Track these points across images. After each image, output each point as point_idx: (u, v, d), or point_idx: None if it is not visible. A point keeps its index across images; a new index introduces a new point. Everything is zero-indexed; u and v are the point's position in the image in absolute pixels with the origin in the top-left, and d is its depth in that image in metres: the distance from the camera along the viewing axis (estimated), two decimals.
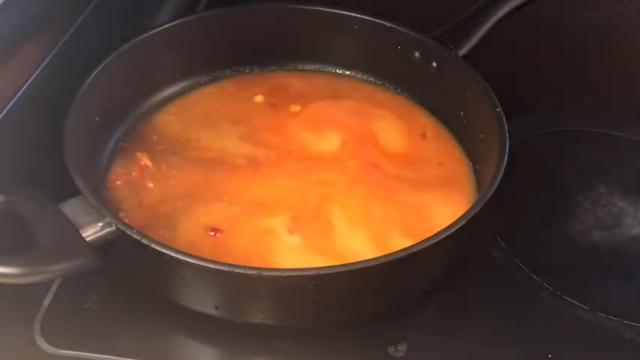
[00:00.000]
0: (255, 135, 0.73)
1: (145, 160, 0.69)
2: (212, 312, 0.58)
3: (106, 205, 0.60)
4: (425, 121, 0.76)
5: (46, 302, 0.62)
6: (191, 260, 0.53)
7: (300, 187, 0.67)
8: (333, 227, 0.64)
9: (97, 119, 0.68)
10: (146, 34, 0.74)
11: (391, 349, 0.60)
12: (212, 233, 0.63)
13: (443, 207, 0.66)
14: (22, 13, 0.65)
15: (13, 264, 0.51)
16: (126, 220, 0.60)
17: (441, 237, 0.56)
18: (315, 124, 0.74)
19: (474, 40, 0.74)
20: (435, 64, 0.75)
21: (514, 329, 0.62)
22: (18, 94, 0.65)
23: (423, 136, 0.73)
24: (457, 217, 0.58)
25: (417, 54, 0.76)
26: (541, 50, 0.91)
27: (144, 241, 0.54)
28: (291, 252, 0.62)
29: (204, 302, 0.58)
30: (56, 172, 0.59)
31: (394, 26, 0.76)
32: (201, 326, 0.60)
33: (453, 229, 0.56)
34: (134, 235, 0.54)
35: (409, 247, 0.55)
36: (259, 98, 0.77)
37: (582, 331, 0.63)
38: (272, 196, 0.67)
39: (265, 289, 0.56)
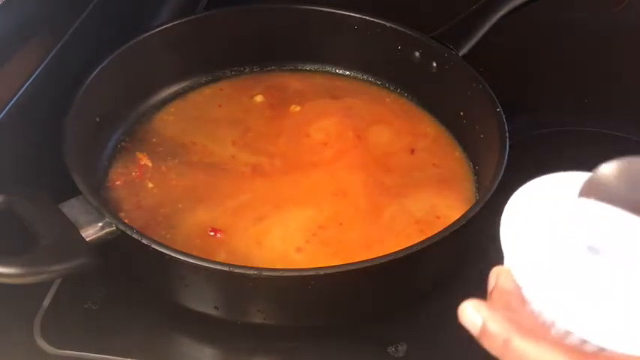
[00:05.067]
0: (255, 137, 0.73)
1: (145, 160, 0.69)
2: (212, 312, 0.58)
3: (106, 205, 0.60)
4: (424, 122, 0.76)
5: (46, 302, 0.62)
6: (191, 260, 0.53)
7: (298, 190, 0.67)
8: (332, 232, 0.64)
9: (97, 119, 0.68)
10: (146, 34, 0.74)
11: (391, 349, 0.60)
12: (212, 233, 0.63)
13: (442, 207, 0.66)
14: (22, 14, 0.65)
15: (13, 264, 0.51)
16: (126, 221, 0.60)
17: (441, 237, 0.56)
18: (315, 124, 0.74)
19: (473, 40, 0.74)
20: (435, 64, 0.75)
21: None
22: (18, 94, 0.65)
23: (412, 151, 0.72)
24: (457, 217, 0.58)
25: (417, 54, 0.76)
26: (541, 50, 0.91)
27: (144, 241, 0.54)
28: (291, 251, 0.62)
29: (204, 302, 0.58)
30: (56, 172, 0.59)
31: (394, 26, 0.76)
32: (201, 326, 0.60)
33: (453, 229, 0.56)
34: (134, 236, 0.54)
35: (409, 247, 0.55)
36: (259, 98, 0.77)
37: None
38: (271, 198, 0.67)
39: (265, 289, 0.56)
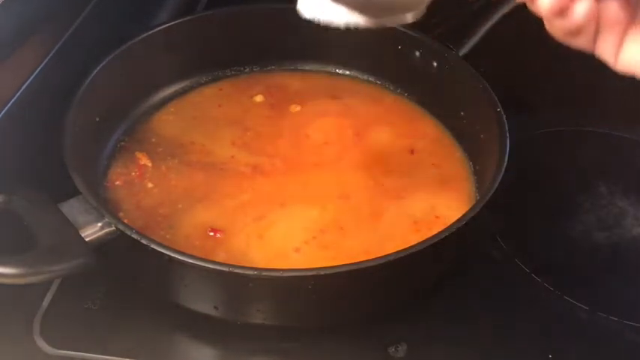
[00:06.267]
0: (254, 137, 0.73)
1: (145, 160, 0.69)
2: (212, 312, 0.58)
3: (105, 205, 0.60)
4: (424, 122, 0.76)
5: (46, 302, 0.62)
6: (191, 260, 0.53)
7: (297, 191, 0.67)
8: (334, 235, 0.64)
9: (97, 119, 0.68)
10: (146, 34, 0.74)
11: (391, 350, 0.60)
12: (212, 233, 0.63)
13: (442, 207, 0.66)
14: (22, 13, 0.65)
15: (13, 264, 0.51)
16: (125, 221, 0.60)
17: (441, 237, 0.56)
18: (315, 124, 0.74)
19: (474, 40, 0.74)
20: (435, 64, 0.75)
21: (514, 329, 0.62)
22: (18, 94, 0.65)
23: (412, 151, 0.72)
24: (457, 217, 0.58)
25: (417, 54, 0.76)
26: (541, 50, 0.90)
27: (143, 241, 0.54)
28: (290, 251, 0.62)
29: (203, 302, 0.58)
30: (56, 172, 0.59)
31: (394, 26, 0.76)
32: (201, 326, 0.60)
33: (453, 229, 0.56)
34: (133, 236, 0.54)
35: (409, 247, 0.55)
36: (259, 98, 0.77)
37: (582, 331, 0.63)
38: (271, 198, 0.67)
39: (265, 289, 0.56)
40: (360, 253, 0.61)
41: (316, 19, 0.49)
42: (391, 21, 0.50)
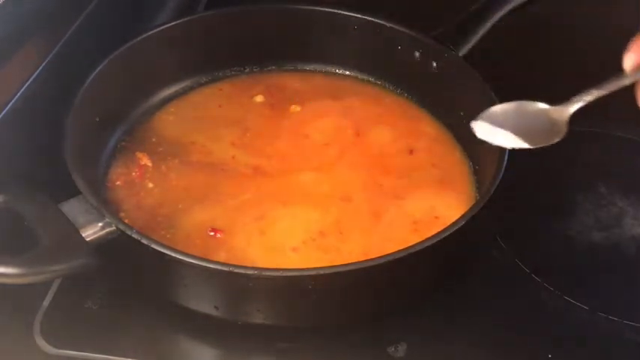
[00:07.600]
0: (255, 137, 0.73)
1: (145, 160, 0.69)
2: (212, 312, 0.58)
3: (105, 205, 0.60)
4: (424, 122, 0.76)
5: (46, 302, 0.62)
6: (191, 260, 0.53)
7: (297, 191, 0.67)
8: (333, 235, 0.64)
9: (97, 119, 0.68)
10: (146, 34, 0.74)
11: (391, 349, 0.60)
12: (212, 233, 0.63)
13: (442, 208, 0.66)
14: (22, 13, 0.65)
15: (13, 264, 0.51)
16: (126, 221, 0.60)
17: (441, 237, 0.56)
18: (315, 124, 0.74)
19: (473, 40, 0.73)
20: (434, 64, 0.75)
21: (514, 329, 0.63)
22: (18, 94, 0.65)
23: (411, 151, 0.72)
24: (457, 218, 0.58)
25: (417, 54, 0.76)
26: (541, 50, 0.90)
27: (144, 241, 0.54)
28: (291, 252, 0.62)
29: (204, 302, 0.58)
30: (56, 172, 0.59)
31: (394, 26, 0.76)
32: (201, 326, 0.60)
33: (453, 230, 0.56)
34: (134, 236, 0.54)
35: (409, 247, 0.55)
36: (259, 98, 0.77)
37: (582, 331, 0.63)
38: (271, 198, 0.67)
39: (265, 289, 0.56)
40: (360, 254, 0.61)
41: (489, 141, 0.59)
42: (545, 142, 0.60)
